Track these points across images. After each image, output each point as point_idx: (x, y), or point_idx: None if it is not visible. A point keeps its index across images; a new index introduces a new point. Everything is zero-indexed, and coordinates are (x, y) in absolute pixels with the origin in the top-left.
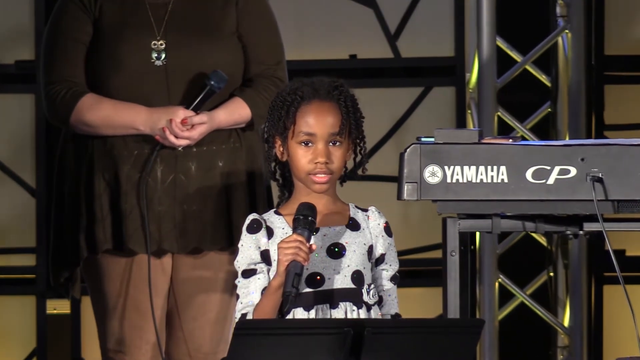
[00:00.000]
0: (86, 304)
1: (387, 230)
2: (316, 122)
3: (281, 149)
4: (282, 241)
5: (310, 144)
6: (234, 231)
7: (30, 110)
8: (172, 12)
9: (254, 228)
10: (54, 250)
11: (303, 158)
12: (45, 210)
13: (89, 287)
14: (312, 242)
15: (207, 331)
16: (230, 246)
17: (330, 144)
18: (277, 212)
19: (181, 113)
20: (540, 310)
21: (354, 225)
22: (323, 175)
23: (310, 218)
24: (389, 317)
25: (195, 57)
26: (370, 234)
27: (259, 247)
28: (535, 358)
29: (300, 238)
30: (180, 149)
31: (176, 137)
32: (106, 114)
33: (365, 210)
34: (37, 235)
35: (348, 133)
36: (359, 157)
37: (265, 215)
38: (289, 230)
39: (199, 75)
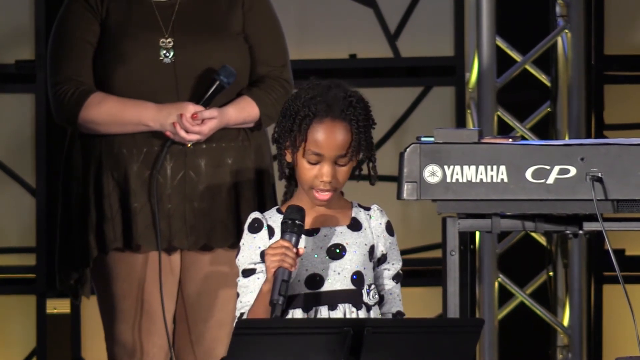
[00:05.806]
0: (86, 303)
1: (389, 229)
2: (325, 143)
3: (289, 154)
4: (269, 247)
5: (317, 163)
6: (242, 228)
7: (30, 110)
8: (179, 12)
9: (255, 227)
10: (61, 251)
11: (308, 172)
12: (45, 210)
13: (96, 288)
14: (300, 245)
15: (217, 333)
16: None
17: (337, 164)
18: (279, 211)
19: (191, 108)
20: (539, 310)
21: (355, 225)
22: (325, 193)
23: (297, 222)
24: (389, 316)
25: (203, 55)
26: (372, 234)
27: (259, 247)
28: (535, 357)
29: (286, 244)
30: (190, 145)
31: (187, 132)
32: (114, 111)
33: (368, 208)
34: (37, 235)
35: (357, 150)
36: (366, 169)
37: (267, 214)
38: None
39: (207, 72)
